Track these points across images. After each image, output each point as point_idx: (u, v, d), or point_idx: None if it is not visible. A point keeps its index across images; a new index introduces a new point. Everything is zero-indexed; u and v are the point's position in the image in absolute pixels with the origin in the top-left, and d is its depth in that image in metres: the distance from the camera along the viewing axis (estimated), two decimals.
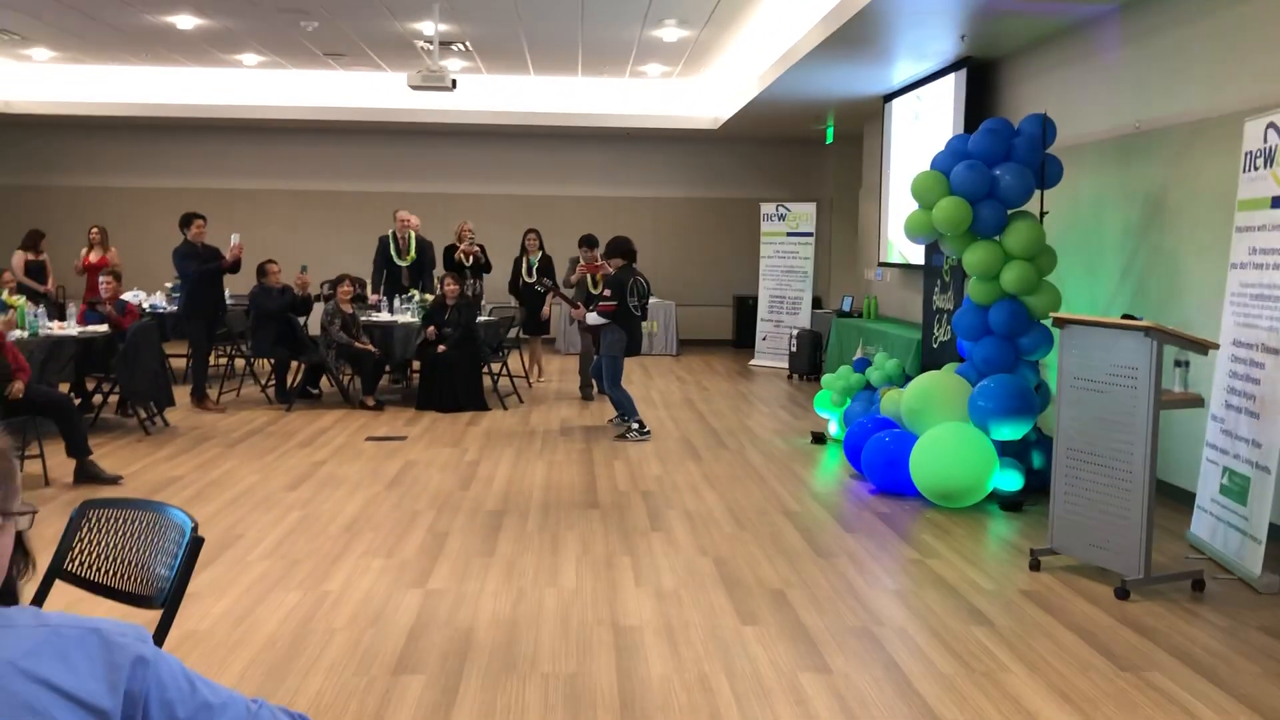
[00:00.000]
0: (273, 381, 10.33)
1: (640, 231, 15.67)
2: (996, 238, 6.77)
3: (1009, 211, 6.76)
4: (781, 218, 13.72)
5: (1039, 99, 8.30)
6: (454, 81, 10.93)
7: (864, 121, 13.48)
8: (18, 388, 6.69)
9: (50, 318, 8.99)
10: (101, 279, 9.42)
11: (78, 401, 8.84)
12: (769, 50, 11.16)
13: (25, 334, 8.04)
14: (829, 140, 14.87)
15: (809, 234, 13.56)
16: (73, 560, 2.71)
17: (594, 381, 11.08)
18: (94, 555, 2.70)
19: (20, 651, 1.24)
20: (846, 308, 12.58)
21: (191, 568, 2.53)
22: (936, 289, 8.45)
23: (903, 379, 8.01)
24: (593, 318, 8.79)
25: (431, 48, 11.22)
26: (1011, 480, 6.56)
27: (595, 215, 15.86)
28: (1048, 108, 7.33)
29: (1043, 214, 6.91)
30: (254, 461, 7.51)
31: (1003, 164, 6.75)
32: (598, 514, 6.22)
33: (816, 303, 13.93)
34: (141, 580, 2.62)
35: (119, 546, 2.69)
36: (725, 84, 13.67)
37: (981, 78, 9.46)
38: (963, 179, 6.70)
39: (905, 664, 4.01)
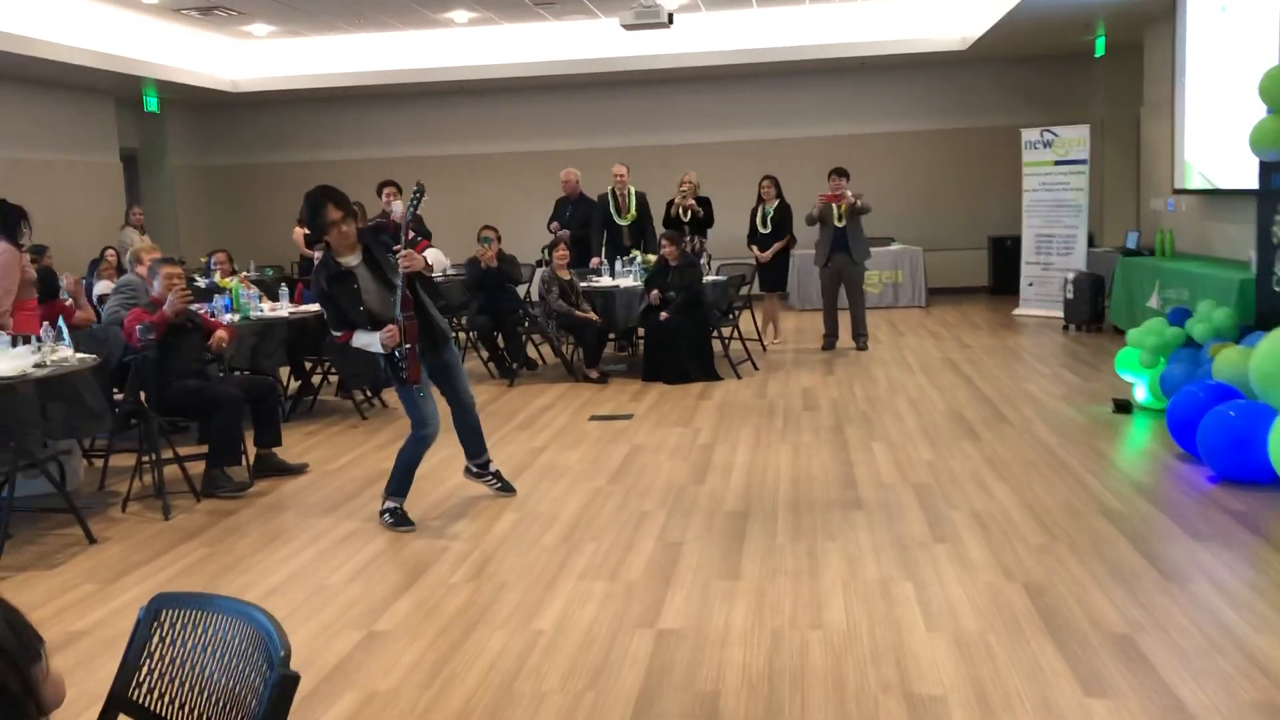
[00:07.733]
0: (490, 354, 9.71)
1: (880, 170, 14.25)
2: None
3: None
4: (1048, 145, 11.93)
5: None
6: (670, 16, 9.92)
7: (1144, 26, 11.49)
8: (220, 335, 6.20)
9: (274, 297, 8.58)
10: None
11: (297, 384, 8.50)
12: None
13: (237, 317, 7.62)
14: (1099, 53, 12.86)
15: (1082, 161, 11.71)
16: (139, 685, 1.87)
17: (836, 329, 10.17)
18: (167, 680, 1.85)
19: None
20: (1132, 244, 10.76)
21: (283, 717, 1.63)
22: (1277, 217, 6.72)
23: (1237, 333, 6.41)
24: None
25: None
26: None
27: (828, 156, 14.43)
28: None
29: None
30: None
31: None
32: (862, 516, 5.09)
33: (1090, 240, 12.11)
34: None
35: (198, 667, 1.82)
36: None
37: None
38: None
39: None
